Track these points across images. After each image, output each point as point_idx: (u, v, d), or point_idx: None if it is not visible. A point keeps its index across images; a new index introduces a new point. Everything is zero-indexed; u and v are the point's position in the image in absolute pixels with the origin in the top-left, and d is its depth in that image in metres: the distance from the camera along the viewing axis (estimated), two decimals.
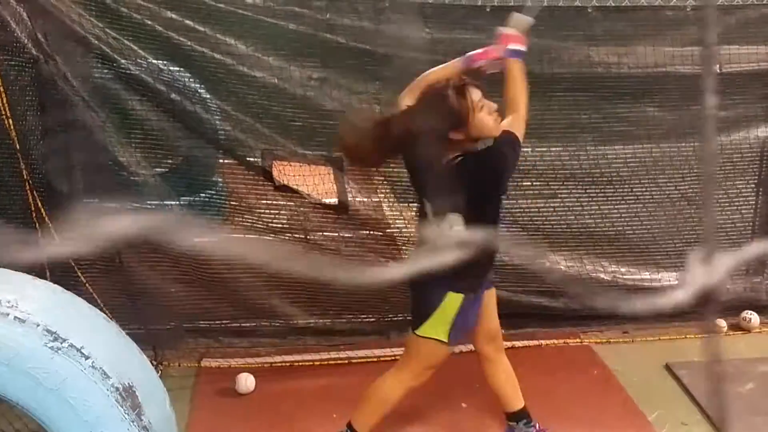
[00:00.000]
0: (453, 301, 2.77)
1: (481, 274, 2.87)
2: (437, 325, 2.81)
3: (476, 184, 2.62)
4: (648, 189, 4.15)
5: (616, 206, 4.13)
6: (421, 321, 2.84)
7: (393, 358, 3.86)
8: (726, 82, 4.01)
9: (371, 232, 4.04)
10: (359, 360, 3.93)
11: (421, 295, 2.85)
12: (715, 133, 0.43)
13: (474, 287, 2.82)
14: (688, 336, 4.16)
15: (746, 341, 4.19)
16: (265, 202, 3.91)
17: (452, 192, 2.58)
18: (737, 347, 4.10)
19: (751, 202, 4.31)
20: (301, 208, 3.92)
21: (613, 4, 3.88)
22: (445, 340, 2.83)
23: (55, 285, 2.55)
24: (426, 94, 2.70)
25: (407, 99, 2.77)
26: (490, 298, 3.06)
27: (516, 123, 2.77)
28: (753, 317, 4.27)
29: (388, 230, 4.06)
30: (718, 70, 3.98)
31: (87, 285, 3.71)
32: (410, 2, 3.80)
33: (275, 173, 3.81)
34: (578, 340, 4.21)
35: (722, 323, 4.23)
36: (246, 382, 3.67)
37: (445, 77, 2.74)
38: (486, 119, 2.66)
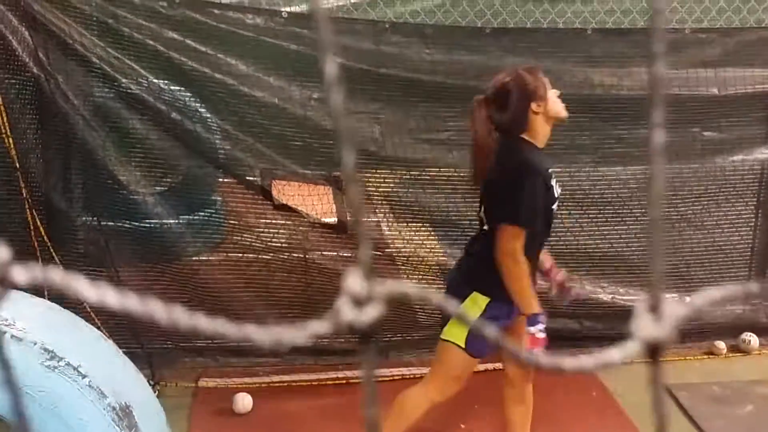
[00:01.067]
0: (477, 301, 2.71)
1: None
2: (457, 330, 2.74)
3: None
4: (647, 210, 4.15)
5: (615, 227, 4.13)
6: (445, 322, 2.81)
7: (391, 378, 3.85)
8: (725, 104, 4.03)
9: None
10: (357, 380, 3.91)
11: (449, 292, 2.80)
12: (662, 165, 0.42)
13: (504, 296, 2.71)
14: (687, 358, 4.15)
15: (745, 363, 4.18)
16: (264, 221, 3.91)
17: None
18: (736, 369, 4.08)
19: (750, 224, 4.32)
20: (300, 228, 3.92)
21: (612, 26, 3.91)
22: (462, 346, 2.75)
23: (53, 303, 2.54)
24: (510, 75, 2.75)
25: None
26: (521, 324, 2.91)
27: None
28: (752, 339, 4.26)
29: (387, 250, 4.06)
30: (718, 92, 4.00)
31: (85, 303, 3.70)
32: (410, 23, 3.83)
33: (274, 192, 3.82)
34: None
35: (722, 345, 4.22)
36: (243, 401, 3.65)
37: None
38: (556, 99, 2.74)
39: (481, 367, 3.91)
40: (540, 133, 2.73)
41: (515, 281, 2.64)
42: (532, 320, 2.64)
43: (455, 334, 2.76)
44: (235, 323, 0.42)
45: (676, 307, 0.45)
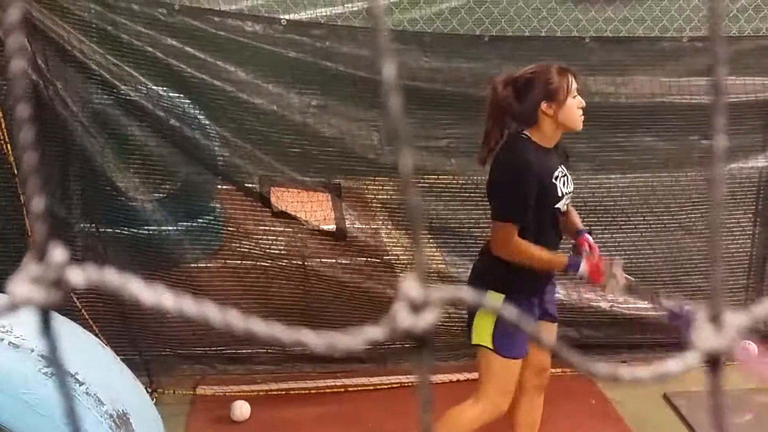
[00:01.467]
0: (493, 299, 2.67)
1: (530, 279, 2.74)
2: (481, 330, 2.71)
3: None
4: (646, 218, 4.16)
5: (613, 235, 4.13)
6: (470, 327, 2.78)
7: (390, 386, 3.85)
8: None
9: (369, 259, 4.03)
10: (356, 388, 3.91)
11: None
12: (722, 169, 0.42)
13: (519, 290, 2.69)
14: None
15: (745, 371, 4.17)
16: (262, 228, 3.91)
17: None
18: (736, 377, 4.06)
19: (748, 233, 4.32)
20: (299, 235, 3.92)
21: (610, 35, 3.92)
22: (491, 347, 2.70)
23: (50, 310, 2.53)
24: (534, 68, 2.73)
25: None
26: (546, 330, 2.91)
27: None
28: (752, 347, 4.25)
29: (386, 257, 4.05)
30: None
31: (82, 310, 3.69)
32: (409, 31, 3.84)
33: (273, 199, 3.82)
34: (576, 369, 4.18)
35: None
36: (241, 409, 3.64)
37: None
38: (574, 109, 2.67)
39: None
40: (547, 134, 2.70)
41: (530, 261, 2.66)
42: (573, 267, 2.67)
43: (482, 337, 2.72)
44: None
45: (738, 317, 0.44)
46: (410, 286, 0.43)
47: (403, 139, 0.44)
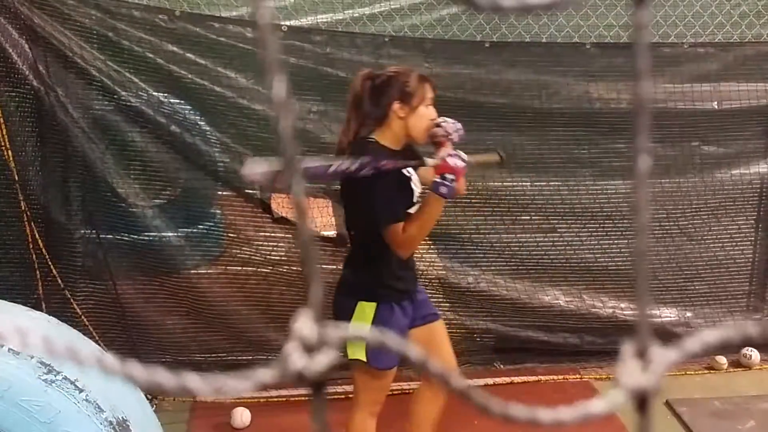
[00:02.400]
0: (364, 310, 2.64)
1: (397, 283, 2.70)
2: (355, 345, 2.63)
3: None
4: (647, 224, 4.14)
5: (615, 241, 4.12)
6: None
7: (390, 392, 3.83)
8: (724, 118, 4.04)
9: None
10: (346, 396, 3.89)
11: (336, 314, 2.70)
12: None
13: (389, 297, 2.66)
14: (688, 372, 4.13)
15: (747, 378, 4.16)
16: (263, 234, 3.91)
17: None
18: (738, 384, 4.07)
19: (750, 238, 4.31)
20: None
21: (610, 41, 3.92)
22: (365, 360, 2.65)
23: (50, 316, 2.53)
24: (395, 69, 2.69)
25: None
26: (434, 331, 2.90)
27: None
28: (754, 354, 4.24)
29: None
30: (716, 107, 4.01)
31: (82, 317, 3.68)
32: (410, 37, 3.84)
33: (274, 205, 3.81)
34: (578, 376, 4.17)
35: (722, 360, 4.21)
36: (241, 416, 3.63)
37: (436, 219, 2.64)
38: (424, 120, 2.60)
39: (481, 382, 3.90)
40: (397, 136, 2.63)
41: (425, 229, 2.62)
42: (439, 187, 2.51)
43: (355, 350, 2.67)
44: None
45: (665, 352, 0.41)
46: (303, 324, 0.39)
47: (294, 165, 0.41)
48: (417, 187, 2.69)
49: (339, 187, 2.84)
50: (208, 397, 3.83)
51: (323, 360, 0.39)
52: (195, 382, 0.39)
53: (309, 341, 0.39)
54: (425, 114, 2.61)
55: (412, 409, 3.02)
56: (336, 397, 3.91)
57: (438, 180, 2.50)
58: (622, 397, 0.40)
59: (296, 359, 0.39)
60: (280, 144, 0.40)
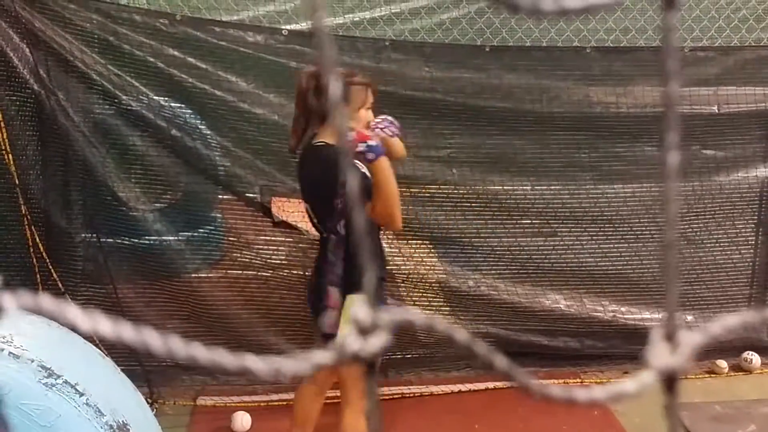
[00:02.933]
0: (354, 302, 2.66)
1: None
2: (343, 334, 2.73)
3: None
4: (648, 228, 4.15)
5: (615, 245, 4.12)
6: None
7: (391, 397, 3.83)
8: (724, 122, 4.04)
9: None
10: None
11: (319, 313, 2.78)
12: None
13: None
14: (688, 377, 4.12)
15: (748, 382, 4.15)
16: (263, 238, 3.91)
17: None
18: (738, 388, 4.06)
19: (750, 242, 4.31)
20: (300, 245, 3.91)
21: (611, 45, 3.93)
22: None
23: (51, 320, 2.53)
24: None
25: None
26: None
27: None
28: (754, 358, 4.24)
29: (387, 267, 4.04)
30: (717, 111, 4.01)
31: None
32: (410, 41, 3.84)
33: (274, 209, 3.81)
34: (578, 380, 4.17)
35: (723, 364, 4.20)
36: (242, 420, 3.62)
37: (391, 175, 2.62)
38: (361, 123, 2.67)
39: (481, 386, 3.89)
40: (329, 136, 2.68)
41: (388, 200, 2.59)
42: (363, 149, 2.53)
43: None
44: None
45: (692, 335, 0.43)
46: (359, 308, 0.42)
47: (349, 156, 0.44)
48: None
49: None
50: (208, 400, 3.83)
51: (377, 342, 0.42)
52: (255, 363, 0.42)
53: (364, 324, 0.42)
54: (363, 117, 2.70)
55: (294, 407, 3.08)
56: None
57: (360, 151, 2.53)
58: (652, 378, 0.43)
59: (352, 341, 0.42)
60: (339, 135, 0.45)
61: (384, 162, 2.57)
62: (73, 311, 0.39)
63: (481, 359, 0.46)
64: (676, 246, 0.45)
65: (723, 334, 0.44)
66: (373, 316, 0.42)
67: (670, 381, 0.43)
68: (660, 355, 0.43)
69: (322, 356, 0.42)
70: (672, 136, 0.42)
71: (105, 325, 0.40)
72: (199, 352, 0.41)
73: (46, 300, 0.39)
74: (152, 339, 0.41)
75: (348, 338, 0.42)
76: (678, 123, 0.42)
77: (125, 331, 0.40)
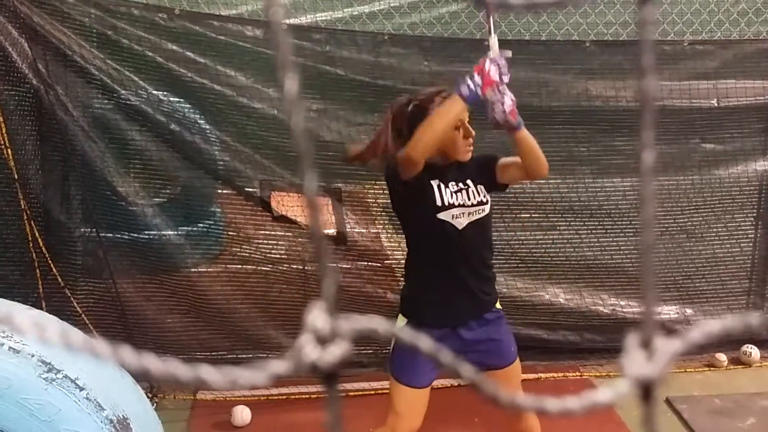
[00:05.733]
0: (398, 324, 2.48)
1: (433, 304, 2.55)
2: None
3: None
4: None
5: (614, 239, 4.13)
6: None
7: (389, 391, 3.83)
8: (723, 115, 4.04)
9: (369, 264, 4.03)
10: (356, 393, 3.90)
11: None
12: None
13: (419, 314, 2.56)
14: (688, 370, 4.13)
15: (747, 375, 4.16)
16: (263, 232, 3.91)
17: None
18: (738, 382, 4.07)
19: (749, 236, 4.31)
20: (299, 239, 3.92)
21: (610, 38, 3.92)
22: (389, 369, 2.61)
23: (51, 315, 2.53)
24: (424, 93, 2.54)
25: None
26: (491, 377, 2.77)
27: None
28: (753, 351, 4.25)
29: (387, 261, 4.05)
30: (716, 104, 4.01)
31: (82, 315, 3.68)
32: (409, 35, 3.83)
33: (273, 204, 3.81)
34: (577, 373, 4.18)
35: (723, 357, 4.21)
36: (242, 414, 3.63)
37: (452, 120, 2.41)
38: (456, 141, 2.49)
39: None
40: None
41: (430, 129, 2.36)
42: (462, 89, 2.33)
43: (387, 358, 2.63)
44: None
45: (670, 342, 0.42)
46: (316, 316, 0.40)
47: (306, 159, 0.42)
48: (459, 199, 2.56)
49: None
50: (208, 395, 3.84)
51: (336, 351, 0.40)
52: (210, 373, 0.40)
53: (322, 333, 0.40)
54: (455, 137, 2.48)
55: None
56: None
57: (463, 79, 2.34)
58: (627, 387, 0.41)
59: (310, 351, 0.40)
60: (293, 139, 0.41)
61: (454, 103, 2.36)
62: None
63: (448, 367, 0.44)
64: (654, 247, 0.44)
65: (703, 341, 0.43)
66: (332, 324, 0.40)
67: (646, 390, 0.41)
68: (636, 362, 0.41)
69: (278, 366, 0.40)
70: (648, 134, 0.41)
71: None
72: (152, 363, 0.39)
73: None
74: (102, 348, 0.39)
75: (306, 347, 0.40)
76: (654, 120, 0.41)
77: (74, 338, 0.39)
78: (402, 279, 3.87)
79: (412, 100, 2.55)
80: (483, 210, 2.62)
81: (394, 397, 2.66)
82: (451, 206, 2.54)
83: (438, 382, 3.90)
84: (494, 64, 2.34)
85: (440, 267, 2.55)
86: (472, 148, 2.56)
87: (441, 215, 2.53)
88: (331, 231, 3.89)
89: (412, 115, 2.49)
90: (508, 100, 2.39)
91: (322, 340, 0.40)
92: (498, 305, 2.74)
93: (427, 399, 2.68)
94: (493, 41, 2.42)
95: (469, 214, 2.59)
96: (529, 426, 2.76)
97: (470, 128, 2.53)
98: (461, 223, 2.57)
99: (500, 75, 2.33)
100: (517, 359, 2.72)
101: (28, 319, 0.36)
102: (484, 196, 2.63)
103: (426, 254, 2.57)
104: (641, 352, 0.41)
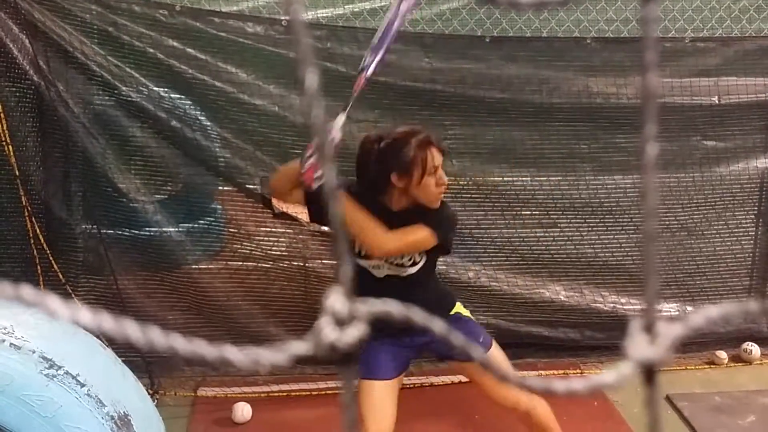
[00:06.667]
0: None
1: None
2: None
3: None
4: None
5: (615, 236, 4.13)
6: None
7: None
8: (724, 113, 4.04)
9: None
10: (357, 389, 3.90)
11: None
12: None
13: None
14: (688, 368, 4.13)
15: (747, 373, 4.16)
16: (264, 229, 3.91)
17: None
18: (738, 379, 4.07)
19: (750, 233, 4.31)
20: (300, 236, 3.92)
21: (611, 35, 3.92)
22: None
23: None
24: (397, 133, 2.50)
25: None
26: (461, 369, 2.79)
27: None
28: (754, 349, 4.25)
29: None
30: (717, 101, 4.01)
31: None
32: (410, 32, 3.83)
33: (274, 200, 3.81)
34: (578, 370, 4.18)
35: (723, 355, 4.21)
36: (243, 411, 3.63)
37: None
38: (430, 188, 2.45)
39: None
40: (396, 202, 2.51)
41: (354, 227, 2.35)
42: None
43: None
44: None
45: (672, 326, 0.43)
46: (335, 299, 0.42)
47: (327, 153, 0.43)
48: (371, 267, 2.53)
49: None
50: (209, 391, 3.84)
51: (354, 333, 0.42)
52: (233, 353, 0.42)
53: (340, 315, 0.42)
54: (430, 182, 2.44)
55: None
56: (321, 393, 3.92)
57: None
58: (630, 369, 0.42)
59: (329, 332, 0.42)
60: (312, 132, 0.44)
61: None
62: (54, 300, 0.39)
63: (459, 349, 0.46)
64: (656, 237, 0.45)
65: (704, 326, 0.44)
66: (350, 307, 0.42)
67: (649, 373, 0.43)
68: (639, 346, 0.42)
69: (299, 346, 0.42)
70: (650, 128, 0.42)
71: (85, 315, 0.40)
72: (179, 342, 0.41)
73: (28, 290, 0.39)
74: (132, 330, 0.41)
75: (325, 328, 0.42)
76: (656, 115, 0.42)
77: (105, 322, 0.40)
78: None
79: (383, 137, 2.48)
80: (406, 270, 2.55)
81: (360, 401, 2.61)
82: (368, 257, 2.49)
83: (438, 379, 3.91)
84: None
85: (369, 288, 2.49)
86: (442, 196, 2.52)
87: (358, 260, 2.50)
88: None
89: (380, 155, 2.43)
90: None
91: (341, 322, 0.42)
92: (456, 309, 2.75)
93: (394, 397, 2.65)
94: (339, 119, 2.41)
95: (388, 267, 2.54)
96: (537, 412, 2.84)
97: (444, 176, 2.48)
98: (380, 273, 2.54)
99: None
100: (494, 348, 2.79)
101: None
102: (418, 254, 2.56)
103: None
104: (644, 336, 0.43)
